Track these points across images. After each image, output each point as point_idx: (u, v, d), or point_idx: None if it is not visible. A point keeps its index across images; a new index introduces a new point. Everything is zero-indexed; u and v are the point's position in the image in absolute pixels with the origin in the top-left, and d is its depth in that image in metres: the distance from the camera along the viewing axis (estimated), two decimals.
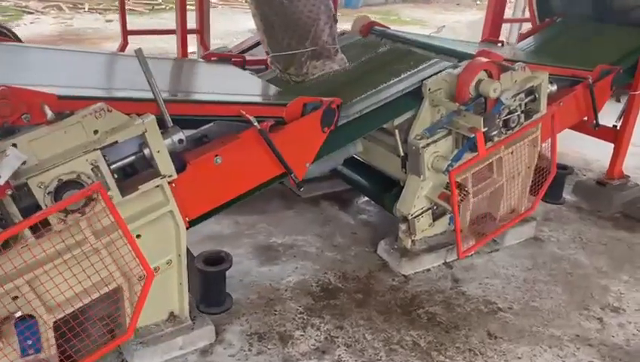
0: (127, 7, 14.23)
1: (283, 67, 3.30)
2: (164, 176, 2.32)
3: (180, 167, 2.42)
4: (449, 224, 3.59)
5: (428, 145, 3.20)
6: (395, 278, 3.39)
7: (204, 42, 5.85)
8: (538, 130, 3.63)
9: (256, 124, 2.49)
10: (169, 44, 7.90)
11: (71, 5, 15.10)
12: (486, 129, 3.07)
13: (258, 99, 2.81)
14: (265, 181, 2.71)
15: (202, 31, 5.82)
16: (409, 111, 3.23)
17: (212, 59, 3.57)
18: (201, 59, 3.59)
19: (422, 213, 3.40)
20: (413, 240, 3.49)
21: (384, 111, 3.13)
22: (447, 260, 3.57)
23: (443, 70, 3.22)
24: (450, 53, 3.53)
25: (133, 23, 8.22)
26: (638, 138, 5.95)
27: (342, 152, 3.64)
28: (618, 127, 4.49)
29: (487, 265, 3.61)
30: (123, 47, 5.34)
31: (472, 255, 3.66)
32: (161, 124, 2.31)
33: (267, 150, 2.59)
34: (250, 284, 3.21)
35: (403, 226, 3.47)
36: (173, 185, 2.38)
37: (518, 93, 3.41)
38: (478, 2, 17.34)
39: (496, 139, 3.35)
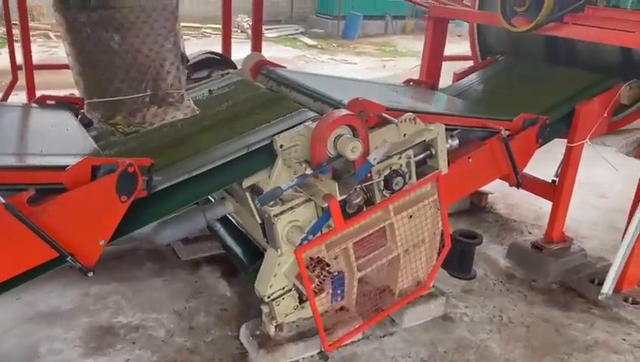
0: None
1: (104, 116, 2.71)
2: None
3: None
4: (331, 302, 2.97)
5: (282, 212, 2.60)
6: None
7: None
8: (437, 192, 3.03)
9: None
10: None
11: (59, 34, 14.89)
12: (345, 196, 2.48)
13: (39, 161, 2.23)
14: (33, 267, 2.11)
15: None
16: (262, 171, 2.65)
17: (48, 102, 3.03)
18: (34, 104, 3.03)
19: (283, 293, 2.78)
20: (278, 326, 2.86)
21: (226, 172, 2.55)
22: (323, 349, 2.93)
23: (302, 122, 2.64)
24: (328, 101, 2.95)
25: None
26: (605, 188, 5.40)
27: (204, 213, 3.09)
28: (557, 183, 3.89)
29: (372, 355, 2.97)
30: (12, 85, 4.81)
31: (357, 341, 3.03)
32: None
33: (26, 227, 2.01)
34: None
35: (265, 308, 2.85)
36: None
37: (405, 150, 2.84)
38: None
39: (378, 200, 2.78)
